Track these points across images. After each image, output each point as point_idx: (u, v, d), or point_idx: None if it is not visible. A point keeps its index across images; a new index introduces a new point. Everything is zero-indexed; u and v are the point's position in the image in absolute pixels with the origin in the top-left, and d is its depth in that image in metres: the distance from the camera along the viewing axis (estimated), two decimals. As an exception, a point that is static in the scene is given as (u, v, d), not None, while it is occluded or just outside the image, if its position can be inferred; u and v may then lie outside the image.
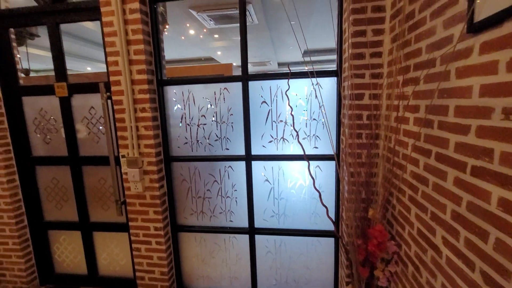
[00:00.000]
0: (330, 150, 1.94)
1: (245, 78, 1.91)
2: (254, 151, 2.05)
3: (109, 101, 2.00)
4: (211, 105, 2.04)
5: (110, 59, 1.89)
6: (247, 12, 4.47)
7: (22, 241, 2.38)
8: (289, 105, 1.73)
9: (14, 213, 2.32)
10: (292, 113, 1.87)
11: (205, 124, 2.07)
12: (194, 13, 4.30)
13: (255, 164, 2.07)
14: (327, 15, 5.33)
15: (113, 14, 1.80)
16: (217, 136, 2.08)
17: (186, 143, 2.13)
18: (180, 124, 2.10)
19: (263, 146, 2.04)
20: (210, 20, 4.69)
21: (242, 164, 2.07)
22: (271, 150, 2.04)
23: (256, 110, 1.98)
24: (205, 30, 5.49)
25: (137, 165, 1.98)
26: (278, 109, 1.97)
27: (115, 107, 1.96)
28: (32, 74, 2.98)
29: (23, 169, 2.34)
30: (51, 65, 2.12)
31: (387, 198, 1.52)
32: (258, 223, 2.16)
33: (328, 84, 1.86)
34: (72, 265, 2.52)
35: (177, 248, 2.29)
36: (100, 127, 2.20)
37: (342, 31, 1.76)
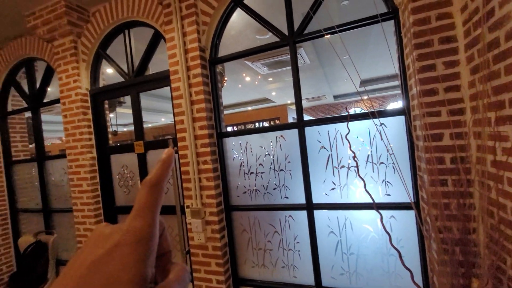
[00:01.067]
0: (405, 198, 1.67)
1: (301, 124, 1.87)
2: (315, 200, 1.91)
3: (176, 155, 2.19)
4: (268, 153, 2.04)
5: (177, 118, 2.10)
6: (299, 55, 4.62)
7: None
8: (350, 149, 1.59)
9: (100, 258, 2.59)
10: (356, 158, 1.71)
11: (263, 172, 2.06)
12: (249, 63, 4.66)
13: (317, 214, 1.91)
14: (384, 46, 5.13)
15: (180, 81, 2.05)
16: (275, 184, 2.03)
17: (245, 192, 2.13)
18: (239, 174, 2.13)
19: (325, 194, 1.89)
20: (264, 67, 4.99)
21: (303, 213, 1.94)
22: (335, 198, 1.87)
23: (315, 156, 1.89)
24: (259, 76, 5.84)
25: (199, 216, 2.05)
26: (339, 154, 1.84)
27: (181, 160, 2.12)
28: (116, 128, 3.56)
29: (109, 218, 2.66)
30: (131, 119, 2.47)
31: (497, 265, 1.17)
32: (325, 281, 1.92)
33: (394, 123, 1.68)
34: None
35: (239, 303, 2.18)
36: (170, 180, 2.39)
37: (405, 67, 1.61)
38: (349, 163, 1.82)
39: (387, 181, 1.73)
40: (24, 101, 3.19)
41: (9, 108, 3.28)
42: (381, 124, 1.66)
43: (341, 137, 1.82)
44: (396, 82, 1.42)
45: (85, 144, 2.55)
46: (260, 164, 2.06)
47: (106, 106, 2.75)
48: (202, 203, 2.07)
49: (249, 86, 6.91)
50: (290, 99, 10.11)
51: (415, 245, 1.67)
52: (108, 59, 2.56)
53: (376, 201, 1.72)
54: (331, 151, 1.85)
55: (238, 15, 2.17)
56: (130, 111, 2.54)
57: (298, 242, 1.99)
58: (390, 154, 1.68)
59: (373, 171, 1.76)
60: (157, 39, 2.37)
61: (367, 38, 4.54)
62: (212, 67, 2.11)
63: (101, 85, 2.67)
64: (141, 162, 2.47)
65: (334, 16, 3.46)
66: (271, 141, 2.02)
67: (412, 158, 1.62)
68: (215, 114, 2.12)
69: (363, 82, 8.32)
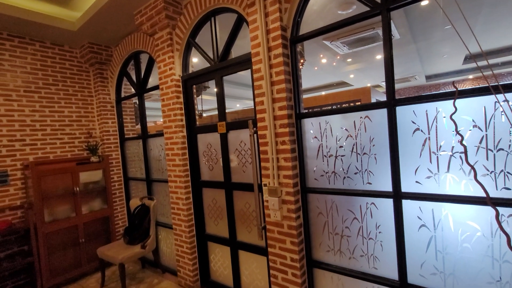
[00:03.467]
0: (535, 195, 1.32)
1: (392, 103, 1.67)
2: (404, 188, 1.71)
3: (255, 135, 2.28)
4: (350, 135, 1.91)
5: (257, 99, 2.17)
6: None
7: (191, 247, 3.01)
8: (457, 132, 1.33)
9: (189, 223, 2.99)
10: (463, 142, 1.44)
11: (343, 155, 1.95)
12: (327, 43, 4.40)
13: (406, 204, 1.71)
14: (505, 7, 4.06)
15: (261, 62, 2.09)
16: (357, 168, 1.90)
17: (323, 175, 2.07)
18: (317, 156, 2.08)
19: (417, 182, 1.67)
20: (344, 46, 4.63)
21: (389, 202, 1.77)
22: (430, 188, 1.63)
23: (407, 139, 1.67)
24: (338, 57, 5.48)
25: (276, 194, 2.10)
26: (439, 138, 1.58)
27: (260, 140, 2.20)
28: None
29: (195, 190, 3.02)
30: (214, 105, 2.68)
31: None
32: (412, 279, 1.73)
33: (526, 100, 1.32)
34: (222, 276, 2.93)
35: (312, 284, 2.19)
36: (248, 158, 2.52)
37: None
38: (452, 148, 1.54)
39: (508, 172, 1.40)
40: (132, 88, 3.83)
41: (122, 95, 4.01)
42: (505, 100, 1.33)
43: (443, 117, 1.55)
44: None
45: (178, 124, 2.92)
46: (341, 147, 1.96)
47: (194, 90, 3.05)
48: (279, 183, 2.12)
49: (326, 68, 6.58)
50: (370, 81, 9.21)
51: (545, 255, 1.32)
52: (196, 46, 2.81)
53: (491, 194, 1.42)
54: (428, 134, 1.60)
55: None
56: (211, 98, 2.76)
57: (381, 232, 1.84)
58: (515, 139, 1.34)
59: (487, 159, 1.45)
60: (240, 23, 2.46)
61: (480, 0, 3.66)
62: (293, 46, 2.07)
63: (190, 71, 2.97)
64: (223, 141, 2.68)
65: (437, -23, 2.89)
66: (354, 122, 1.88)
67: (550, 144, 1.26)
68: (295, 95, 2.09)
69: (469, 58, 6.85)
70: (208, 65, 2.71)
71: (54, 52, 3.65)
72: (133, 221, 3.40)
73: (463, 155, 1.51)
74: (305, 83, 9.28)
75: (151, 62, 3.42)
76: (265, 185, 2.20)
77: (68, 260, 3.39)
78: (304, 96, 10.89)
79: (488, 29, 5.20)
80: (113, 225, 3.81)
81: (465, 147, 1.37)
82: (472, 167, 1.25)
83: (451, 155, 1.55)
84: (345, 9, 3.14)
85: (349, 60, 6.09)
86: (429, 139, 1.60)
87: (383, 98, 1.78)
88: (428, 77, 9.57)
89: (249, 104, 11.61)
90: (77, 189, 3.45)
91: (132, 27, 3.28)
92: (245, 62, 2.37)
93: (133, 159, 3.99)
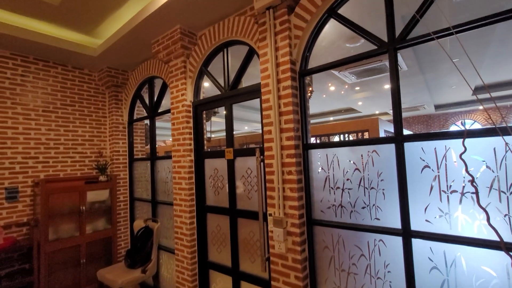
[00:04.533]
0: (554, 242, 1.26)
1: (400, 139, 1.67)
2: (414, 226, 1.65)
3: (262, 163, 2.29)
4: (357, 168, 1.90)
5: (265, 128, 2.21)
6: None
7: (192, 274, 2.93)
8: (468, 172, 1.31)
9: (191, 249, 2.93)
10: (474, 183, 1.41)
11: (350, 188, 1.93)
12: (335, 72, 4.51)
13: (416, 243, 1.65)
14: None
15: (270, 93, 2.15)
16: (364, 203, 1.86)
17: (329, 207, 2.03)
18: (324, 188, 2.06)
19: (427, 221, 1.62)
20: (352, 76, 4.73)
21: (398, 240, 1.71)
22: (441, 228, 1.57)
23: (416, 176, 1.65)
24: (346, 86, 5.57)
25: (281, 225, 2.06)
26: (449, 176, 1.55)
27: (266, 169, 2.20)
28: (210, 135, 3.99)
29: (200, 215, 2.99)
30: (223, 127, 2.72)
31: None
32: (424, 326, 1.62)
33: (538, 144, 1.30)
34: (223, 307, 2.80)
35: (317, 324, 2.07)
36: (254, 186, 2.51)
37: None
38: (463, 188, 1.51)
39: (523, 217, 1.34)
40: (144, 111, 3.96)
41: (134, 117, 4.14)
42: (516, 143, 1.32)
43: (453, 156, 1.54)
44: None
45: (186, 148, 2.96)
46: (348, 180, 1.94)
47: (204, 116, 3.13)
48: (284, 213, 2.09)
49: (334, 95, 6.67)
50: (378, 108, 9.25)
51: None
52: (208, 74, 2.92)
53: (505, 239, 1.36)
54: (438, 172, 1.58)
55: (330, 25, 2.13)
56: (219, 120, 2.82)
57: (390, 272, 1.76)
58: (529, 182, 1.31)
59: (500, 202, 1.41)
60: (250, 55, 2.56)
61: (488, 36, 3.74)
62: (301, 79, 2.14)
63: (201, 97, 3.07)
64: (230, 167, 2.69)
65: (443, 15, 3.00)
66: (362, 156, 1.87)
67: None
68: (302, 126, 2.12)
69: (478, 89, 6.86)
70: (219, 92, 2.80)
71: (74, 75, 3.85)
72: (136, 243, 3.36)
73: (474, 196, 1.47)
74: (313, 109, 9.39)
75: (164, 87, 3.56)
76: (270, 214, 2.17)
77: (67, 281, 3.33)
78: (312, 120, 10.96)
79: (497, 62, 5.25)
80: (115, 247, 3.77)
81: (476, 188, 1.34)
82: (484, 210, 1.22)
83: (462, 195, 1.51)
84: (353, 42, 3.25)
85: (357, 88, 6.18)
86: (438, 177, 1.58)
87: (391, 128, 1.78)
88: (437, 107, 9.56)
89: (257, 126, 11.75)
90: (83, 208, 3.47)
91: (149, 54, 3.46)
92: (254, 92, 2.44)
93: (140, 179, 4.02)
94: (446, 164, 1.56)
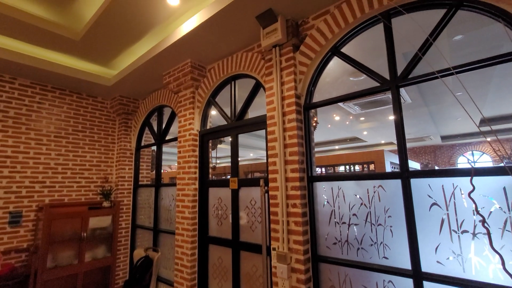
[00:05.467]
0: None
1: (406, 175, 1.66)
2: (425, 267, 1.58)
3: (266, 195, 2.27)
4: (363, 203, 1.86)
5: (270, 160, 2.22)
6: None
7: (191, 311, 2.78)
8: (478, 212, 1.27)
9: (191, 283, 2.81)
10: (486, 224, 1.36)
11: (357, 224, 1.87)
12: (340, 104, 4.60)
13: (428, 287, 1.56)
14: (514, 78, 4.21)
15: (275, 125, 2.19)
16: (371, 240, 1.80)
17: (335, 243, 1.96)
18: (329, 222, 2.01)
19: (439, 262, 1.54)
20: (356, 107, 4.81)
21: (408, 282, 1.62)
22: (454, 271, 1.49)
23: (424, 213, 1.61)
24: (351, 117, 5.64)
25: (285, 261, 1.99)
26: (459, 215, 1.50)
27: (271, 201, 2.17)
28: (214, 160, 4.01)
29: (201, 246, 2.91)
30: (228, 153, 2.74)
31: None
32: None
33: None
34: None
35: None
36: (257, 217, 2.47)
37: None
38: (474, 228, 1.46)
39: (540, 262, 1.27)
40: (152, 138, 4.04)
41: (142, 143, 4.22)
42: (525, 183, 1.29)
43: (462, 193, 1.50)
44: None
45: (191, 177, 2.97)
46: (354, 215, 1.89)
47: (210, 144, 3.17)
48: (289, 248, 2.02)
49: (339, 125, 6.74)
50: (383, 138, 9.25)
51: None
52: (216, 105, 3.02)
53: (523, 287, 1.28)
54: (447, 210, 1.54)
55: (334, 62, 2.22)
56: (226, 146, 2.84)
57: (401, 318, 1.64)
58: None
59: (515, 244, 1.34)
60: (257, 88, 2.66)
61: (490, 71, 3.82)
62: (306, 112, 2.19)
63: (208, 127, 3.14)
64: (234, 197, 2.67)
65: (444, 53, 3.11)
66: (368, 190, 1.85)
67: None
68: (307, 158, 2.13)
69: (485, 121, 6.85)
70: (225, 122, 2.87)
71: (88, 102, 4.01)
72: (134, 274, 3.25)
73: (487, 237, 1.41)
74: (319, 137, 9.43)
75: (172, 115, 3.66)
76: (274, 249, 2.10)
77: (60, 313, 3.18)
78: (317, 149, 10.96)
79: (501, 96, 5.30)
80: (113, 277, 3.64)
81: (488, 230, 1.29)
82: (499, 254, 1.16)
83: (473, 235, 1.46)
84: (356, 76, 3.35)
85: (362, 118, 6.25)
86: (448, 216, 1.53)
87: (397, 160, 1.77)
88: (444, 138, 9.52)
89: (262, 153, 11.78)
90: (85, 234, 3.42)
91: (160, 84, 3.62)
92: (260, 123, 2.49)
93: (143, 206, 3.99)
94: (455, 203, 1.52)
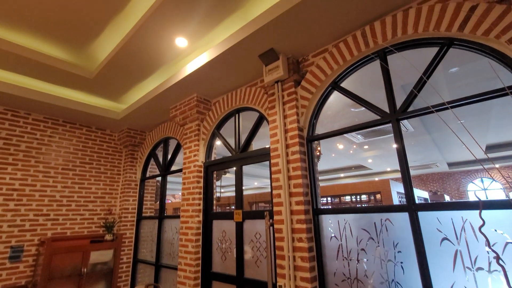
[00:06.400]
0: None
1: (413, 208, 1.63)
2: (441, 309, 1.48)
3: (271, 228, 2.22)
4: (371, 237, 1.81)
5: (274, 192, 2.21)
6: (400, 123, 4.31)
7: None
8: (490, 248, 1.22)
9: (193, 324, 2.65)
10: (501, 261, 1.30)
11: (366, 260, 1.81)
12: (343, 133, 4.65)
13: (446, 331, 1.45)
14: (514, 106, 4.26)
15: (279, 157, 2.21)
16: (382, 277, 1.72)
17: (344, 280, 1.88)
18: (337, 257, 1.94)
19: (456, 302, 1.45)
20: (359, 136, 4.85)
21: (425, 325, 1.51)
22: (472, 313, 1.40)
23: (435, 249, 1.55)
24: (354, 146, 5.67)
25: (292, 301, 1.89)
26: (472, 250, 1.45)
27: (276, 235, 2.12)
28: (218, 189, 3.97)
29: (204, 282, 2.79)
30: (232, 181, 2.73)
31: None
32: None
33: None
34: None
35: None
36: (263, 252, 2.39)
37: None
38: (489, 265, 1.39)
39: None
40: (157, 169, 4.08)
41: (147, 174, 4.25)
42: (536, 217, 1.26)
43: (471, 228, 1.46)
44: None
45: (195, 209, 2.94)
46: (362, 249, 1.83)
47: (215, 175, 3.18)
48: (295, 286, 1.93)
49: (343, 154, 6.74)
50: (389, 166, 9.15)
51: None
52: (220, 137, 3.08)
53: (549, 333, 1.19)
54: (458, 246, 1.49)
55: (334, 95, 2.30)
56: (230, 176, 2.84)
57: None
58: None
59: (534, 283, 1.27)
60: (260, 120, 2.73)
61: (489, 101, 3.88)
62: (309, 144, 2.22)
63: (212, 158, 3.17)
64: (238, 230, 2.61)
65: (441, 85, 3.20)
66: (375, 224, 1.80)
67: None
68: (312, 190, 2.12)
69: (491, 148, 6.81)
70: (230, 154, 2.91)
71: (97, 135, 4.13)
72: (134, 314, 3.08)
73: (503, 274, 1.34)
74: (324, 166, 9.38)
75: (178, 147, 3.73)
76: (280, 287, 2.01)
77: None
78: (322, 177, 10.83)
79: (503, 124, 5.32)
80: (111, 317, 3.46)
81: (503, 267, 1.24)
82: (517, 295, 1.10)
83: (489, 273, 1.39)
84: (357, 107, 3.44)
85: (365, 147, 6.27)
86: (460, 251, 1.48)
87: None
88: (450, 164, 9.39)
89: (267, 182, 11.66)
90: (85, 270, 3.32)
91: (166, 117, 3.74)
92: (264, 155, 2.52)
93: (145, 239, 3.91)
94: (466, 237, 1.47)
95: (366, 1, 1.78)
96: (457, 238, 1.50)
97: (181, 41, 2.41)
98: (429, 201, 8.50)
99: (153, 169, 4.30)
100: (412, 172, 10.27)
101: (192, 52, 2.63)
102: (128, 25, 2.35)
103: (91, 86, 3.20)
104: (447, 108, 1.53)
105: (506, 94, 1.41)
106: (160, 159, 4.01)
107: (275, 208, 2.18)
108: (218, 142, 3.88)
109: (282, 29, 2.02)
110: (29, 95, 3.09)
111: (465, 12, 1.51)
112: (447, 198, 9.11)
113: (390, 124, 1.86)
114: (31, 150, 3.48)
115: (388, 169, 9.51)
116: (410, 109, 1.81)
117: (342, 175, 10.33)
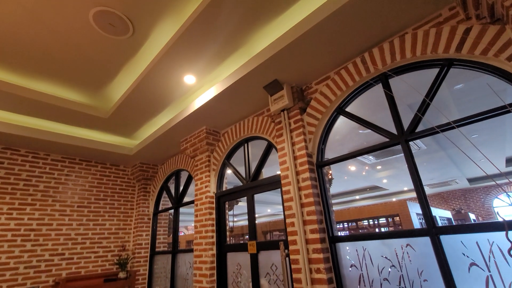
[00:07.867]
0: None
1: (434, 232, 1.56)
2: None
3: (287, 259, 2.15)
4: (393, 265, 1.72)
5: (288, 220, 2.17)
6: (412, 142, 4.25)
7: None
8: (524, 273, 1.14)
9: None
10: (537, 287, 1.21)
11: (390, 290, 1.70)
12: (353, 155, 4.60)
13: None
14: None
15: (290, 184, 2.20)
16: (410, 310, 1.60)
17: (369, 314, 1.75)
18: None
19: (496, 337, 1.32)
20: (370, 157, 4.78)
21: None
22: None
23: (463, 276, 1.45)
24: (366, 167, 5.57)
25: None
26: (504, 276, 1.35)
27: (292, 266, 2.05)
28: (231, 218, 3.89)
29: (221, 321, 2.65)
30: (245, 210, 2.68)
31: None
32: None
33: None
34: None
35: None
36: (280, 286, 2.29)
37: None
38: (526, 292, 1.29)
39: None
40: (169, 202, 4.09)
41: (160, 207, 4.26)
42: None
43: (501, 251, 1.38)
44: None
45: (208, 242, 2.89)
46: (385, 279, 1.73)
47: (227, 206, 3.16)
48: (317, 323, 1.81)
49: (356, 175, 6.60)
50: (405, 185, 8.85)
51: None
52: (231, 166, 3.11)
53: None
54: (489, 272, 1.39)
55: (340, 119, 2.33)
56: (243, 204, 2.81)
57: None
58: None
59: None
60: (269, 148, 2.76)
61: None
62: (319, 170, 2.21)
63: (224, 187, 3.18)
64: (253, 262, 2.53)
65: (447, 102, 3.20)
66: (396, 250, 1.72)
67: None
68: (326, 217, 2.07)
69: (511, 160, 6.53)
70: (241, 183, 2.91)
71: (111, 171, 4.24)
72: None
73: (544, 303, 1.23)
74: (337, 188, 9.16)
75: (189, 179, 3.77)
76: (301, 324, 1.89)
77: None
78: (337, 200, 10.51)
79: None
80: None
81: (541, 295, 1.15)
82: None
83: (527, 301, 1.28)
84: (365, 129, 3.44)
85: (378, 167, 6.14)
86: (491, 277, 1.38)
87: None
88: (471, 180, 8.99)
89: (280, 209, 11.40)
90: (98, 312, 3.23)
91: (177, 150, 3.83)
92: (275, 183, 2.52)
93: (159, 275, 3.81)
94: (495, 262, 1.38)
95: (363, 31, 1.87)
96: (486, 264, 1.40)
97: (189, 78, 2.55)
98: (453, 221, 8.03)
99: (165, 202, 4.32)
100: (431, 191, 9.86)
101: (200, 88, 2.76)
102: (140, 67, 2.52)
103: (106, 125, 3.36)
104: (453, 128, 1.52)
105: (508, 112, 1.40)
106: (172, 191, 4.04)
107: (289, 238, 2.12)
108: (229, 171, 3.91)
109: (284, 61, 2.12)
110: (49, 138, 3.26)
111: (460, 35, 1.56)
112: (472, 216, 8.60)
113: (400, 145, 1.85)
114: (49, 190, 3.59)
115: (405, 189, 9.18)
116: (419, 128, 1.80)
117: (357, 197, 10.01)
